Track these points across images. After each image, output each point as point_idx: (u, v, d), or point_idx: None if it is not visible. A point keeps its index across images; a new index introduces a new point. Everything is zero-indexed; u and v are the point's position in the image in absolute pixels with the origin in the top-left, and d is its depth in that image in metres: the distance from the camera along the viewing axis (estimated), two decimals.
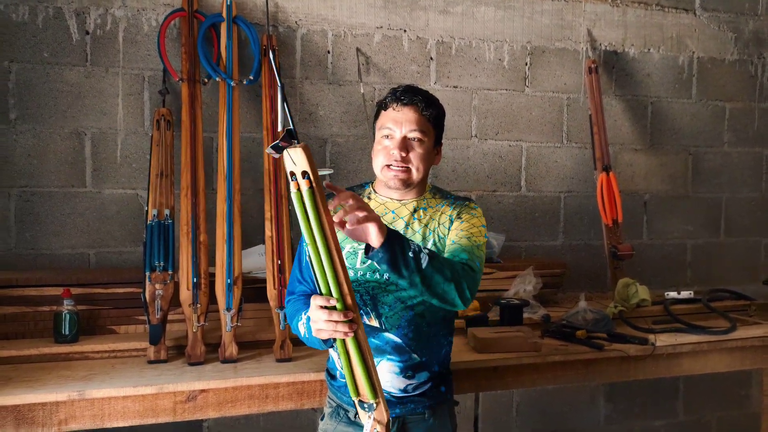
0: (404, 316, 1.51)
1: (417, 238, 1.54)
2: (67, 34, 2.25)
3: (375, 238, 1.30)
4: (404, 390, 1.53)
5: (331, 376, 1.62)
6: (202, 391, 1.83)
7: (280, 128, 1.18)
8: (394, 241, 1.32)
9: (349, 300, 1.27)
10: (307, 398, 1.88)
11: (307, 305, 1.41)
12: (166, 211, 2.07)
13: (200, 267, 2.03)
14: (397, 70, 2.64)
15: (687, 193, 3.09)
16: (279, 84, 1.34)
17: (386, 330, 1.51)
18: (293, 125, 1.16)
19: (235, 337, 2.00)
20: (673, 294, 2.60)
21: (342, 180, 2.52)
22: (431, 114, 1.56)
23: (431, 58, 2.69)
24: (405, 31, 2.64)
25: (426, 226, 1.56)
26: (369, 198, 1.62)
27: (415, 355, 1.52)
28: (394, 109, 1.54)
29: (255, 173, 2.34)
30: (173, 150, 2.14)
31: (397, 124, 1.52)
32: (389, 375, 1.52)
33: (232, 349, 1.98)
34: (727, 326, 2.31)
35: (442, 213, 1.57)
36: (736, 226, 3.18)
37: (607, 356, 2.10)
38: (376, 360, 1.47)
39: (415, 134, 1.52)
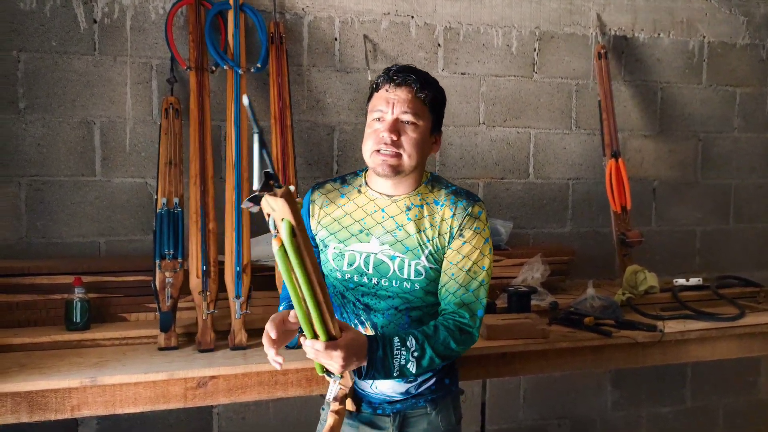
0: (401, 324, 1.45)
1: (412, 243, 1.43)
2: (75, 22, 2.25)
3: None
4: (406, 392, 1.49)
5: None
6: (212, 377, 1.85)
7: (255, 181, 0.97)
8: (374, 372, 1.30)
9: (332, 331, 1.20)
10: (316, 384, 1.89)
11: None
12: (176, 200, 2.08)
13: (209, 255, 2.05)
14: (404, 57, 2.63)
15: (696, 180, 3.07)
16: (256, 131, 0.97)
17: None
18: (273, 169, 0.97)
19: (245, 324, 2.01)
20: (681, 281, 2.59)
21: (349, 168, 2.52)
22: (427, 96, 1.43)
23: (439, 45, 2.68)
24: (412, 17, 2.63)
25: (422, 232, 1.43)
26: (360, 192, 1.50)
27: None
28: (386, 90, 1.41)
29: None
30: (182, 138, 2.14)
31: (389, 104, 1.40)
32: (391, 381, 1.46)
33: (241, 336, 2.00)
34: (735, 313, 2.31)
35: (442, 220, 1.43)
36: (745, 213, 3.16)
37: (615, 343, 2.10)
38: None
39: (408, 117, 1.40)
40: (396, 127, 1.40)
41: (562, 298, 2.43)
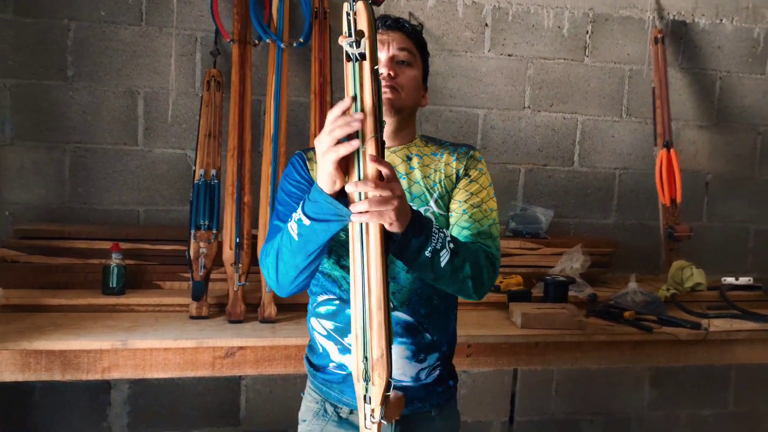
0: (415, 290, 1.29)
1: (418, 190, 1.32)
2: None
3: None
4: (416, 378, 1.31)
5: (315, 367, 1.37)
6: (240, 348, 1.85)
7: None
8: (414, 237, 1.10)
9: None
10: None
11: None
12: (213, 171, 2.09)
13: (243, 227, 2.05)
14: (450, 36, 2.57)
15: (753, 175, 2.91)
16: None
17: (395, 308, 1.28)
18: None
19: (275, 298, 2.01)
20: (730, 280, 2.47)
21: None
22: (419, 41, 1.39)
23: (486, 25, 2.60)
24: None
25: (428, 177, 1.33)
26: None
27: (427, 335, 1.31)
28: (380, 33, 1.33)
29: (302, 138, 2.33)
30: (222, 111, 2.15)
31: (383, 44, 1.32)
32: (401, 361, 1.29)
33: (271, 310, 2.00)
34: None
35: (446, 164, 1.35)
36: None
37: (655, 339, 2.02)
38: None
39: (404, 55, 1.33)
40: (393, 65, 1.32)
41: (602, 291, 2.34)
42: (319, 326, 1.34)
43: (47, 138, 2.27)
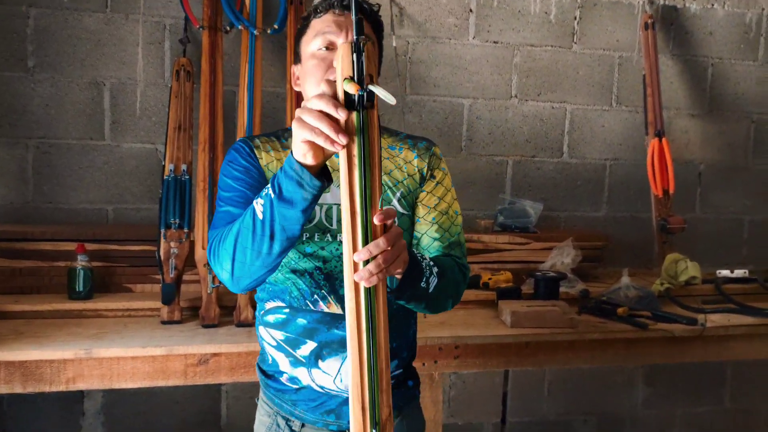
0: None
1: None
2: None
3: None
4: None
5: (267, 375, 1.28)
6: (215, 354, 1.75)
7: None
8: (415, 270, 1.06)
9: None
10: None
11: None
12: (184, 167, 1.97)
13: None
14: (432, 23, 2.46)
15: (746, 165, 2.84)
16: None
17: None
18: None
19: (251, 300, 1.90)
20: (725, 272, 2.39)
21: None
22: (377, 24, 1.24)
23: (470, 10, 2.50)
24: None
25: (389, 174, 1.25)
26: None
27: None
28: (335, 14, 1.19)
29: (277, 129, 2.21)
30: (192, 103, 2.03)
31: (340, 27, 1.18)
32: None
33: (247, 313, 1.89)
34: None
35: (406, 161, 1.26)
36: None
37: (650, 336, 1.93)
38: (339, 357, 1.19)
39: (363, 40, 1.19)
40: None
41: (594, 287, 2.25)
42: (268, 336, 1.24)
43: (8, 133, 2.14)
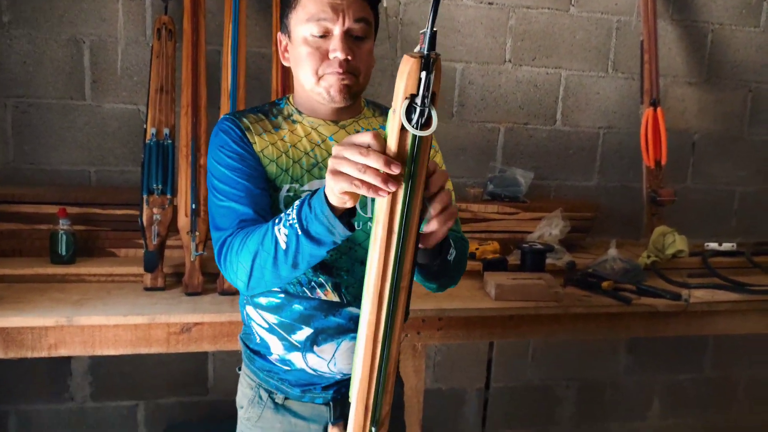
0: None
1: None
2: None
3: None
4: None
5: (253, 351, 1.25)
6: (197, 323, 1.74)
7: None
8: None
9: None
10: None
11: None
12: (166, 131, 1.92)
13: (200, 193, 1.90)
14: None
15: (742, 135, 2.80)
16: None
17: (349, 303, 1.17)
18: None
19: None
20: (713, 245, 2.39)
21: None
22: (373, 1, 1.15)
23: None
24: None
25: None
26: (293, 121, 1.19)
27: None
28: None
29: (263, 92, 2.15)
30: (175, 63, 1.96)
31: (337, 12, 1.08)
32: (351, 356, 1.18)
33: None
34: None
35: None
36: None
37: (633, 311, 1.94)
38: (335, 342, 1.18)
39: (360, 27, 1.10)
40: (349, 44, 1.10)
41: (581, 258, 2.25)
42: (259, 317, 1.22)
43: None
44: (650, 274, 2.17)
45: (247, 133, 1.16)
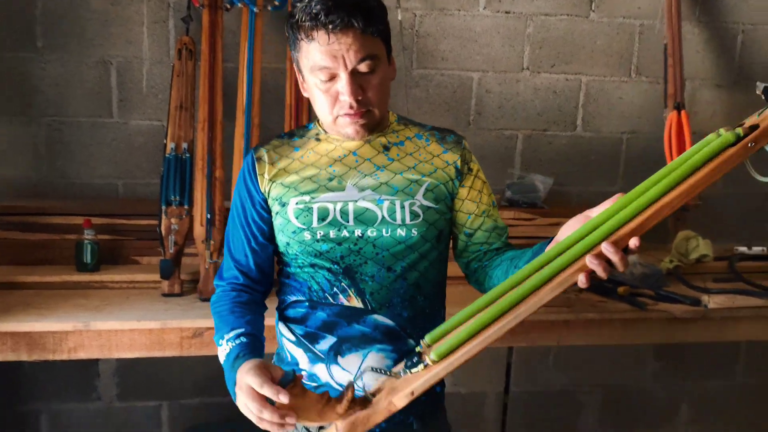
0: (396, 290, 1.17)
1: (401, 182, 1.20)
2: None
3: None
4: None
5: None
6: (209, 328, 1.80)
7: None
8: None
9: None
10: None
11: (235, 313, 1.22)
12: (184, 145, 2.01)
13: (215, 203, 1.98)
14: None
15: None
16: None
17: (374, 311, 1.16)
18: None
19: None
20: (743, 249, 2.30)
21: None
22: (376, 28, 1.13)
23: None
24: None
25: (413, 168, 1.21)
26: (319, 139, 1.24)
27: (411, 341, 1.18)
28: (328, 43, 1.09)
29: (280, 106, 2.22)
30: (194, 81, 2.05)
31: (337, 59, 1.10)
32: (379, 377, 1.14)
33: None
34: None
35: (434, 155, 1.24)
36: None
37: (649, 317, 1.88)
38: (360, 354, 1.17)
39: (365, 65, 1.12)
40: (357, 83, 1.13)
41: None
42: (288, 332, 1.24)
43: (22, 112, 2.22)
44: (672, 279, 2.10)
45: (257, 165, 1.24)
